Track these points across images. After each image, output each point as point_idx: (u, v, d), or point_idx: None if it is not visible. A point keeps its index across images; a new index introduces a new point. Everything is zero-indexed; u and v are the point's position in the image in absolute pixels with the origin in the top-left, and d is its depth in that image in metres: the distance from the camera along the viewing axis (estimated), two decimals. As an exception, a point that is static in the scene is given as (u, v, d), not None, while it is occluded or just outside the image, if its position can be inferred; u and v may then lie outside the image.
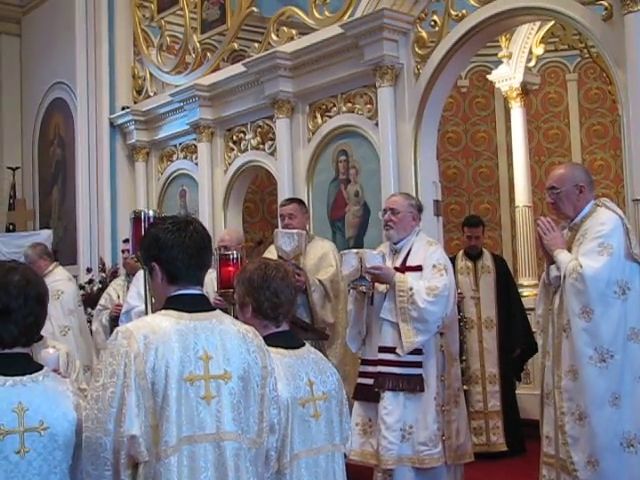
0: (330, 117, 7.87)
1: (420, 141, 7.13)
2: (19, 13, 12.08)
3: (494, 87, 9.77)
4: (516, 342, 7.16)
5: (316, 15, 7.93)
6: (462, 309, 7.10)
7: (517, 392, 7.50)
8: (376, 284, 5.06)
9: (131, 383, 2.48)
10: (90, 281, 9.61)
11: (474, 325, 7.20)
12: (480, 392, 7.12)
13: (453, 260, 7.29)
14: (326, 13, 7.86)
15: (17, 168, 11.73)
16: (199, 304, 2.73)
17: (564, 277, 4.17)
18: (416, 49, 7.15)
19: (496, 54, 9.33)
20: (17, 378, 2.50)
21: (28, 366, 2.57)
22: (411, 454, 4.88)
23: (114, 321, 6.82)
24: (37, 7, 11.72)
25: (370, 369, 5.07)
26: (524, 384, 7.41)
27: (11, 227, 11.25)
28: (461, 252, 7.45)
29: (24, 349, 2.59)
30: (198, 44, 9.35)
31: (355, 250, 5.22)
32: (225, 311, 2.95)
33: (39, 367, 2.61)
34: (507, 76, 9.33)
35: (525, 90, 9.37)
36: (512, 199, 9.64)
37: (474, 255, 7.33)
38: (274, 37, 8.35)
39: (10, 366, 2.52)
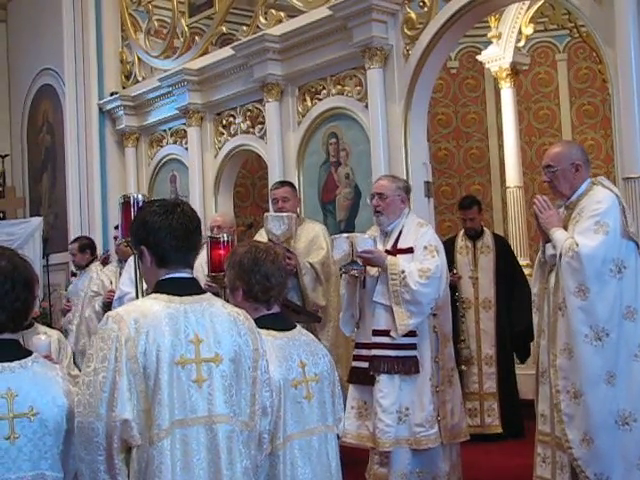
0: (320, 100, 7.84)
1: (410, 123, 7.10)
2: (4, -1, 11.98)
3: (484, 68, 9.74)
4: (520, 320, 7.07)
5: (304, -3, 7.88)
6: (459, 289, 7.08)
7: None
8: (368, 268, 5.05)
9: (122, 367, 2.47)
10: (81, 268, 9.56)
11: (471, 305, 7.17)
12: (476, 373, 7.10)
13: (453, 240, 7.28)
14: (314, -6, 7.81)
15: (6, 156, 11.67)
16: (189, 287, 2.71)
17: (560, 255, 4.16)
18: (405, 30, 7.11)
19: (485, 35, 9.30)
20: (6, 364, 2.49)
21: (17, 352, 2.56)
22: (408, 435, 4.89)
23: (107, 307, 6.80)
24: (23, -7, 11.62)
25: (364, 352, 5.07)
26: (519, 364, 7.38)
27: (1, 215, 11.20)
28: (462, 232, 7.41)
29: (13, 335, 2.57)
30: (186, 28, 9.29)
31: (346, 234, 5.20)
32: (217, 294, 2.93)
33: (28, 353, 2.59)
34: (497, 56, 9.30)
35: (515, 70, 9.34)
36: (503, 180, 9.63)
37: (474, 235, 7.28)
38: (262, 20, 8.29)
39: (-1, 352, 2.50)
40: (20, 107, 11.64)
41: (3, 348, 2.52)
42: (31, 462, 2.44)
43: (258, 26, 8.33)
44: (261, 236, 5.84)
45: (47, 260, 10.10)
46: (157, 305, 2.60)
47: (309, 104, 7.93)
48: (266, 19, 8.27)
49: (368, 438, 4.98)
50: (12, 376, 2.47)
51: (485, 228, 7.49)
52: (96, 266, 8.03)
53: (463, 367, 6.91)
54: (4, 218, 11.07)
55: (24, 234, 10.07)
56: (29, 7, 11.35)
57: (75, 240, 8.23)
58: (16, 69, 11.79)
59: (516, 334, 7.00)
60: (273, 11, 8.25)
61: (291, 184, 6.31)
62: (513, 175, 9.17)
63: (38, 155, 11.29)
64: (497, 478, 5.95)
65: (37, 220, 10.51)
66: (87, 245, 8.09)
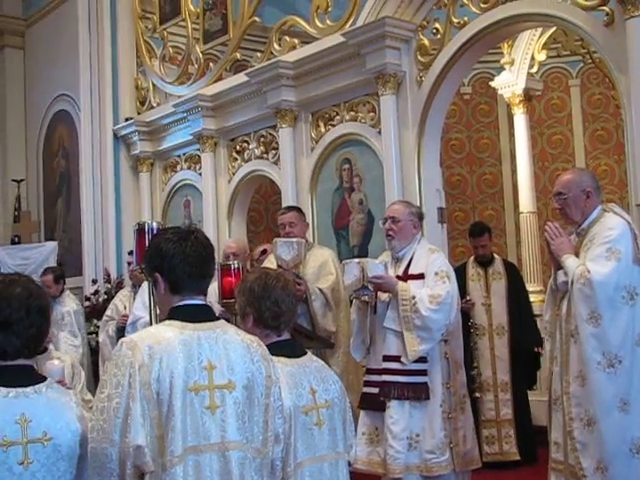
0: (333, 126, 7.89)
1: (423, 148, 7.14)
2: (23, 26, 12.14)
3: (497, 94, 9.77)
4: (528, 342, 7.04)
5: (318, 24, 7.94)
6: (472, 316, 7.06)
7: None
8: (379, 293, 5.05)
9: (136, 393, 2.48)
10: (95, 292, 9.62)
11: (485, 332, 7.13)
12: (492, 400, 7.04)
13: (464, 267, 7.26)
14: (328, 22, 7.87)
15: (22, 180, 11.76)
16: (203, 314, 2.73)
17: (572, 282, 4.16)
18: (418, 57, 7.16)
19: (498, 61, 9.34)
20: (20, 389, 2.50)
21: (31, 377, 2.57)
22: (418, 462, 4.86)
23: (120, 332, 6.82)
24: (40, 20, 11.77)
25: (375, 378, 5.05)
26: (530, 390, 7.34)
27: (16, 239, 11.26)
28: (472, 258, 7.39)
29: (27, 361, 2.58)
30: (201, 54, 9.38)
31: (357, 259, 5.20)
32: (228, 321, 2.95)
33: (42, 378, 2.60)
34: (510, 82, 9.34)
35: (528, 96, 9.37)
36: (516, 205, 9.62)
37: (485, 262, 7.27)
38: (276, 47, 8.36)
39: (13, 378, 2.51)
40: (36, 132, 11.76)
41: (18, 374, 2.54)
42: (44, 487, 2.46)
43: (272, 52, 8.40)
44: (270, 262, 5.84)
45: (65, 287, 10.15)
46: (171, 332, 2.62)
47: (322, 130, 7.98)
48: (280, 46, 8.34)
49: (379, 464, 4.95)
50: (26, 401, 2.49)
51: (495, 255, 7.48)
52: (67, 294, 8.18)
53: (477, 394, 6.87)
54: (19, 242, 11.14)
55: (39, 258, 10.14)
56: (46, 34, 11.50)
57: (47, 272, 8.14)
58: (32, 95, 11.91)
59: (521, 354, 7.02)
60: (287, 38, 8.32)
61: (298, 209, 6.32)
62: (526, 200, 9.17)
63: (53, 180, 11.38)
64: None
65: (52, 244, 10.58)
66: (61, 276, 8.16)
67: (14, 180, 11.76)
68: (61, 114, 11.16)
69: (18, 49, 12.22)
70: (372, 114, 7.51)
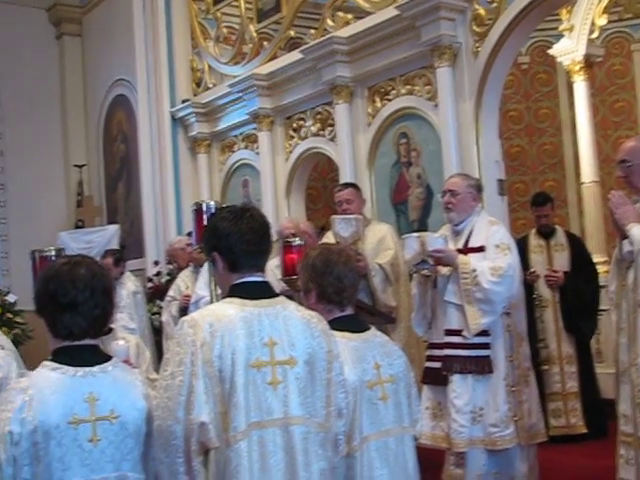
0: (389, 100, 7.83)
1: (481, 120, 7.04)
2: (79, 14, 12.31)
3: (556, 62, 9.56)
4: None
5: (371, -2, 7.87)
6: (536, 288, 6.95)
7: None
8: (439, 267, 5.01)
9: (198, 371, 2.51)
10: (158, 273, 9.74)
11: (549, 304, 7.03)
12: (558, 373, 6.94)
13: (526, 239, 7.16)
14: (381, -5, 7.79)
15: (83, 165, 11.97)
16: (262, 291, 2.75)
17: (638, 251, 4.07)
18: (474, 27, 7.05)
19: (557, 28, 9.12)
20: (87, 369, 2.55)
21: (97, 357, 2.62)
22: (482, 436, 4.83)
23: (183, 312, 6.88)
24: (96, 7, 11.91)
25: (437, 352, 5.03)
26: (597, 363, 7.22)
27: (80, 223, 11.48)
28: (533, 230, 7.26)
29: (93, 341, 2.63)
30: (255, 34, 9.38)
31: (416, 234, 5.17)
32: (291, 298, 2.96)
33: (108, 358, 2.66)
34: (569, 50, 9.12)
35: (588, 63, 9.14)
36: (578, 175, 9.44)
37: (547, 233, 7.15)
38: (330, 23, 8.32)
39: (80, 357, 2.57)
40: (95, 118, 11.93)
41: (84, 353, 2.59)
42: (113, 463, 2.50)
43: (326, 29, 8.36)
44: (328, 239, 5.84)
45: (125, 268, 10.32)
46: (231, 309, 2.64)
47: (379, 105, 7.92)
48: (334, 21, 8.29)
49: (443, 439, 4.94)
50: (94, 380, 2.54)
51: (557, 226, 7.34)
52: (127, 276, 8.26)
53: (545, 367, 6.78)
54: (83, 226, 11.36)
55: (102, 242, 10.30)
56: (102, 21, 11.64)
57: (107, 254, 8.24)
58: (91, 81, 12.08)
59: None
60: (340, 13, 8.27)
61: (355, 185, 6.30)
62: (588, 170, 8.97)
63: (114, 164, 11.54)
64: (577, 480, 5.83)
65: (114, 228, 10.75)
66: (120, 258, 8.26)
67: (76, 165, 11.97)
68: (119, 99, 11.30)
69: (75, 36, 12.40)
70: (428, 87, 7.43)
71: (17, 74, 11.77)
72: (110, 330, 4.38)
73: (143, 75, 10.45)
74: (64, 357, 2.56)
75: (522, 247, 6.36)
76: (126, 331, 7.51)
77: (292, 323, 2.69)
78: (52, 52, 12.36)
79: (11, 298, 9.93)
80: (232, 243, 2.71)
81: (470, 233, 5.06)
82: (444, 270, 5.00)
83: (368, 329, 3.23)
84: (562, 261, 7.04)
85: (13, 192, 11.82)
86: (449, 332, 4.96)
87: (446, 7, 7.02)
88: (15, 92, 11.80)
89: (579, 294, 6.87)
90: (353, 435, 2.94)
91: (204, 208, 4.18)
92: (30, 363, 3.66)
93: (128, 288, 8.20)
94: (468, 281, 4.83)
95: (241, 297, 2.69)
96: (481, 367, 4.84)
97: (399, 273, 5.81)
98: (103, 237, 10.50)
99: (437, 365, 4.99)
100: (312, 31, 8.64)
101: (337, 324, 3.04)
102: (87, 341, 2.61)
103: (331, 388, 2.71)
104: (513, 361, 4.95)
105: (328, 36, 8.07)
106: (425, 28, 7.14)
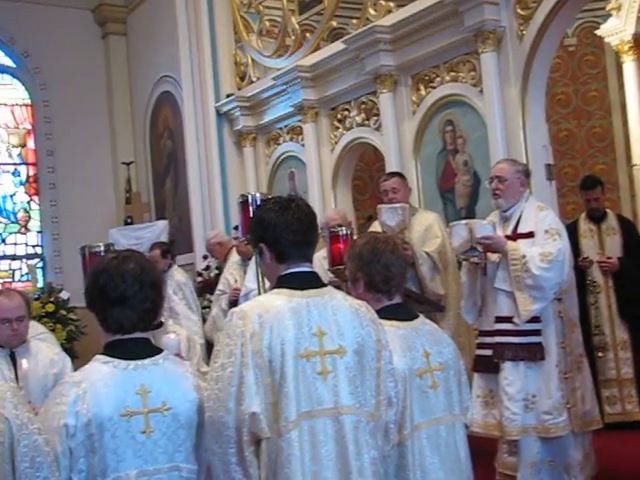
0: (434, 88, 7.77)
1: (528, 105, 6.95)
2: (124, 13, 12.46)
3: (603, 42, 9.38)
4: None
5: (414, -16, 7.81)
6: (589, 273, 6.85)
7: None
8: (488, 254, 4.96)
9: (248, 362, 2.53)
10: (207, 268, 9.82)
11: (602, 290, 6.91)
12: (612, 359, 6.84)
13: (576, 224, 7.05)
14: (424, -19, 7.73)
15: (131, 163, 12.11)
16: (310, 281, 2.75)
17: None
18: (518, 10, 6.95)
19: (604, 7, 8.94)
20: (139, 362, 2.58)
21: (148, 350, 2.65)
22: (535, 423, 4.78)
23: (233, 305, 6.91)
24: (140, 5, 12.04)
25: (488, 340, 4.99)
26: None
27: (129, 220, 11.62)
28: (583, 215, 7.14)
29: (143, 334, 2.66)
30: (297, 26, 9.38)
31: (464, 221, 5.13)
32: (339, 288, 2.95)
33: (159, 350, 2.68)
34: (617, 29, 8.92)
35: (638, 42, 8.95)
36: (629, 158, 9.25)
37: (597, 217, 7.02)
38: (372, 12, 8.28)
39: (131, 350, 2.60)
40: (142, 115, 12.07)
41: (135, 346, 2.62)
42: (166, 455, 2.53)
43: (368, 18, 8.33)
44: (375, 229, 5.83)
45: (174, 261, 10.42)
46: (279, 300, 2.65)
47: (423, 93, 7.87)
48: (375, 10, 8.25)
49: (495, 427, 4.90)
50: (145, 373, 2.57)
51: (608, 210, 7.21)
52: (175, 268, 8.33)
53: (600, 354, 6.69)
54: (132, 223, 11.49)
55: (151, 237, 10.42)
56: (146, 19, 11.75)
57: (154, 247, 8.28)
58: (136, 79, 12.22)
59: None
60: (382, 2, 8.22)
61: (400, 174, 6.28)
62: (640, 152, 8.81)
63: (161, 160, 11.66)
64: (634, 468, 5.73)
65: (162, 223, 10.88)
66: (167, 250, 8.31)
67: (124, 163, 12.13)
68: (165, 95, 11.40)
69: (121, 35, 12.56)
70: (473, 73, 7.36)
71: (64, 75, 11.96)
72: (161, 324, 4.43)
73: (187, 71, 10.52)
74: (115, 351, 2.59)
75: (572, 232, 6.27)
76: (192, 324, 7.58)
77: (340, 313, 2.69)
78: (98, 52, 12.52)
79: (64, 295, 10.10)
80: (278, 234, 2.72)
81: (519, 219, 5.00)
82: (493, 257, 4.96)
83: (417, 317, 3.21)
84: (614, 245, 6.92)
85: (63, 191, 12.02)
86: (499, 319, 4.92)
87: (489, -9, 6.93)
88: (63, 93, 12.00)
89: (634, 279, 6.75)
90: (404, 424, 2.93)
91: (250, 200, 4.20)
92: (83, 358, 3.71)
93: (178, 280, 8.26)
94: (518, 267, 4.78)
95: (289, 288, 2.70)
96: (533, 354, 4.80)
97: (447, 261, 5.79)
98: (152, 233, 10.64)
99: (488, 353, 4.95)
100: (354, 21, 8.61)
101: (385, 313, 3.03)
102: (137, 334, 2.63)
103: (380, 377, 2.70)
104: (565, 347, 4.89)
105: (370, 25, 8.03)
106: (468, 13, 7.06)
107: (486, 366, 4.98)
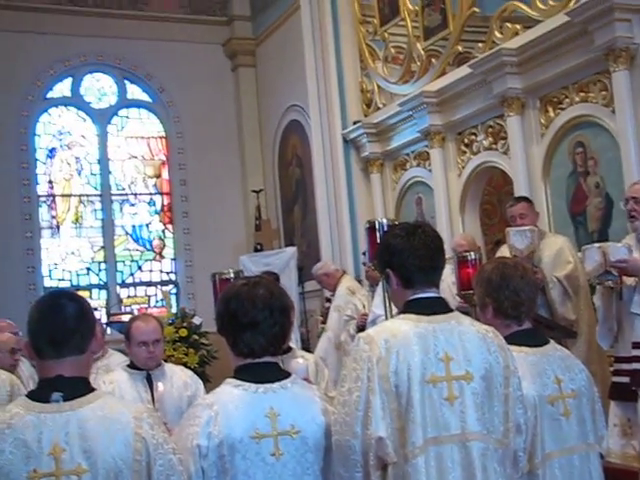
0: (563, 109, 7.60)
1: (664, 124, 6.70)
2: (253, 45, 12.85)
3: None
4: None
5: (540, 6, 7.68)
6: None
7: None
8: (624, 278, 4.81)
9: (375, 387, 2.54)
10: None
11: None
12: None
13: None
14: (550, 2, 7.60)
15: (260, 191, 12.39)
16: (436, 306, 2.74)
17: None
18: (651, 26, 6.74)
19: None
20: (268, 385, 2.64)
21: (277, 374, 2.70)
22: (677, 455, 4.59)
23: (361, 330, 6.96)
24: (268, 37, 12.40)
25: (625, 367, 4.83)
26: None
27: (258, 247, 11.87)
28: None
29: (272, 358, 2.71)
30: (422, 51, 9.39)
31: (597, 244, 4.99)
32: (467, 313, 2.93)
33: (287, 375, 2.73)
34: None
35: None
36: None
37: None
38: (498, 34, 8.20)
39: (261, 374, 2.66)
40: (270, 144, 12.36)
41: (265, 370, 2.67)
42: (295, 477, 2.57)
43: (494, 41, 8.25)
44: (503, 252, 5.75)
45: (302, 287, 10.59)
46: (406, 325, 2.66)
47: (552, 115, 7.72)
48: (501, 33, 8.17)
49: (634, 458, 4.72)
50: (274, 396, 2.62)
51: None
52: None
53: None
54: (261, 249, 11.74)
55: (280, 264, 10.61)
56: (274, 51, 12.09)
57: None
58: (265, 109, 12.54)
59: None
60: (508, 24, 8.13)
61: (527, 199, 6.17)
62: None
63: (289, 188, 11.88)
64: None
65: (291, 250, 11.05)
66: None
67: (253, 191, 12.42)
68: (293, 124, 11.65)
69: (250, 67, 12.95)
70: (604, 93, 7.16)
71: (196, 107, 12.42)
72: (289, 349, 4.49)
73: (315, 100, 10.69)
74: (245, 374, 2.66)
75: None
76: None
77: (467, 338, 2.67)
78: (228, 84, 12.94)
79: (197, 321, 10.38)
80: (405, 259, 2.73)
81: (657, 241, 4.83)
82: (629, 281, 4.80)
83: (547, 343, 3.15)
84: None
85: (196, 219, 12.43)
86: (637, 345, 4.75)
87: (620, 8, 6.73)
88: (195, 124, 12.46)
89: None
90: (534, 452, 2.87)
91: (377, 226, 4.23)
92: (215, 381, 3.81)
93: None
94: (656, 292, 4.61)
95: (416, 313, 2.70)
96: (673, 382, 4.61)
97: (578, 286, 5.64)
98: (281, 259, 10.82)
99: (625, 380, 4.79)
100: (480, 44, 8.55)
101: (515, 338, 2.98)
102: (267, 358, 2.69)
103: (509, 404, 2.66)
104: None
105: (497, 48, 7.95)
106: (598, 32, 6.89)
107: (623, 394, 4.82)
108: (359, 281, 9.61)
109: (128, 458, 2.35)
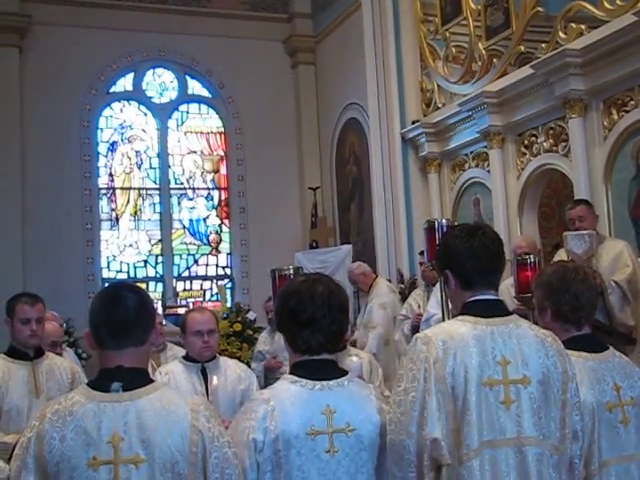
0: (627, 112, 7.47)
1: None
2: (313, 43, 12.87)
3: None
4: None
5: (607, 6, 7.56)
6: None
7: None
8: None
9: (431, 387, 2.54)
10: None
11: None
12: None
13: None
14: (618, 2, 7.47)
15: (317, 188, 12.42)
16: (495, 309, 2.73)
17: None
18: None
19: None
20: (325, 382, 2.65)
21: (334, 371, 2.71)
22: None
23: (415, 330, 6.94)
24: (328, 35, 12.41)
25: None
26: None
27: (314, 244, 11.91)
28: None
29: (330, 356, 2.73)
30: (484, 51, 9.31)
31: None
32: (525, 317, 2.91)
33: (344, 372, 2.74)
34: None
35: None
36: None
37: None
38: (562, 35, 8.09)
39: (318, 371, 2.67)
40: (328, 141, 12.38)
41: (322, 368, 2.69)
42: (349, 475, 2.57)
43: (557, 41, 8.13)
44: (560, 256, 5.68)
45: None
46: (464, 327, 2.65)
47: (615, 117, 7.59)
48: (566, 34, 8.05)
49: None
50: (330, 394, 2.63)
51: None
52: None
53: None
54: (317, 247, 11.77)
55: (335, 261, 10.63)
56: (334, 48, 12.09)
57: None
58: (324, 107, 12.56)
59: None
60: (573, 25, 8.01)
61: (587, 202, 6.08)
62: None
63: (346, 186, 11.88)
64: None
65: (347, 247, 11.06)
66: None
67: (310, 188, 12.46)
68: (351, 122, 11.64)
69: (309, 65, 12.98)
70: (672, 95, 7.03)
71: (256, 104, 12.50)
72: (344, 346, 4.50)
73: (374, 98, 10.67)
74: (303, 371, 2.67)
75: None
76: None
77: (526, 342, 2.66)
78: (288, 81, 12.99)
79: (251, 316, 10.46)
80: (464, 261, 2.72)
81: None
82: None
83: (607, 349, 3.10)
84: None
85: (252, 215, 12.51)
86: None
87: (690, 9, 6.61)
88: (254, 121, 12.53)
89: None
90: (591, 459, 2.84)
91: (436, 226, 4.21)
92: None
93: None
94: None
95: (474, 315, 2.69)
96: None
97: (638, 291, 5.55)
98: (336, 257, 10.84)
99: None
100: (543, 45, 8.44)
101: (573, 343, 2.95)
102: (324, 356, 2.70)
103: (566, 409, 2.64)
104: None
105: (560, 49, 7.84)
106: (668, 33, 6.77)
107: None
108: (414, 280, 9.60)
109: (184, 450, 2.38)
